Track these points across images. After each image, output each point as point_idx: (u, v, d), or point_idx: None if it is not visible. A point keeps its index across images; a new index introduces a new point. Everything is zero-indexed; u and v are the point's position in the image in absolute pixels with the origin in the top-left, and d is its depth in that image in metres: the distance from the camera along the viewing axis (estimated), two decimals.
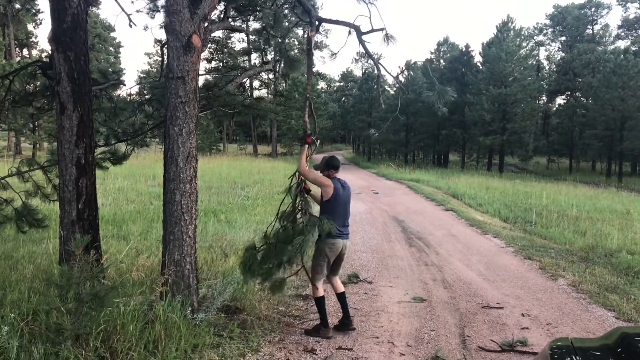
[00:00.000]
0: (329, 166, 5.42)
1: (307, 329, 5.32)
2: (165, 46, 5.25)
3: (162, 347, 4.25)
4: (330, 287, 5.67)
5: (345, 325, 5.41)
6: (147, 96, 8.82)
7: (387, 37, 6.22)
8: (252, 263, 5.13)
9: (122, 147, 7.74)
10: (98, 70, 7.41)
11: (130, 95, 8.54)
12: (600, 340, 1.99)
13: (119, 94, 8.13)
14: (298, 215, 5.44)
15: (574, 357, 1.77)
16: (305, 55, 6.12)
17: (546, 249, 10.22)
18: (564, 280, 7.79)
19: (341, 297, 5.45)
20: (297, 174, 5.50)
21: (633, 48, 49.09)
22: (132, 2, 8.13)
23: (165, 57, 5.28)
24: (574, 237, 11.46)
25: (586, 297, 6.92)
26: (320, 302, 5.26)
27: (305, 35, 6.72)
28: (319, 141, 6.12)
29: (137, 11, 8.34)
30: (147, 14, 8.13)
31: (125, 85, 7.79)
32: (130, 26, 7.57)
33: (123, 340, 4.16)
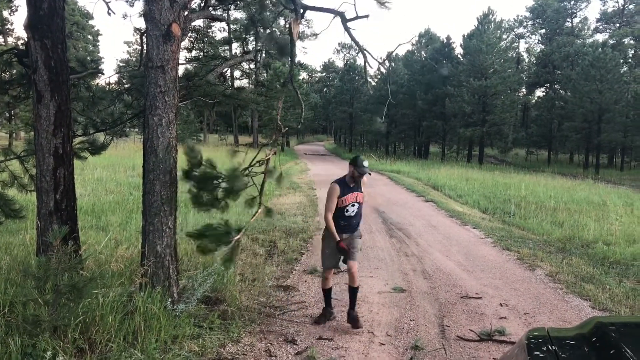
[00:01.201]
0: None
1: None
2: (145, 35, 5.17)
3: (142, 338, 4.22)
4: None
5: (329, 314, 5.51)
6: (126, 85, 8.69)
7: (381, 3, 6.16)
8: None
9: (101, 137, 7.64)
10: (76, 59, 7.27)
11: (109, 84, 8.41)
12: (575, 330, 2.02)
13: (98, 83, 7.99)
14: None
15: (550, 347, 1.79)
16: (290, 43, 6.08)
17: (524, 239, 10.36)
18: (541, 270, 7.91)
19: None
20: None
21: (611, 41, 49.84)
22: None
23: (145, 46, 5.21)
24: (551, 228, 11.63)
25: (563, 287, 7.03)
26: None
27: (287, 25, 6.68)
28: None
29: None
30: (127, 1, 8.04)
31: (103, 74, 7.66)
32: (109, 14, 7.45)
33: (102, 332, 4.13)
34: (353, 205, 5.32)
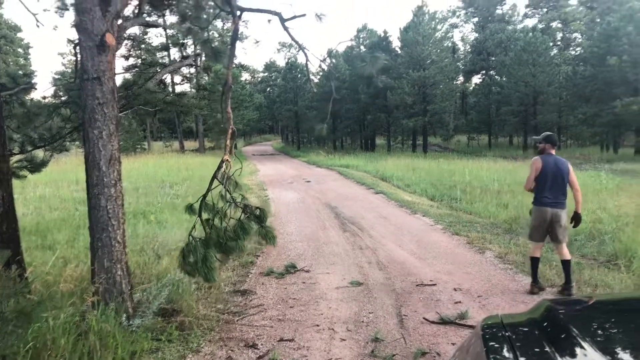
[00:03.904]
0: (547, 140, 6.23)
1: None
2: (78, 46, 5.02)
3: (98, 357, 4.11)
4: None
5: (565, 289, 6.02)
6: (63, 98, 8.41)
7: (318, 17, 6.26)
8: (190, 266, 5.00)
9: (40, 154, 7.37)
10: (7, 74, 7.01)
11: (44, 98, 8.12)
12: (527, 314, 2.09)
13: (32, 98, 7.71)
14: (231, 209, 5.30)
15: (504, 334, 1.86)
16: (229, 45, 6.06)
17: (472, 223, 10.64)
18: (490, 252, 8.15)
19: (565, 264, 6.10)
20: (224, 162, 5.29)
21: (540, 26, 51.68)
22: (38, 0, 7.68)
23: (79, 57, 5.06)
24: (497, 210, 11.98)
25: (512, 267, 7.28)
26: (532, 261, 6.22)
27: (226, 27, 6.63)
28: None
29: (45, 10, 7.83)
30: (56, 12, 7.72)
31: (36, 89, 7.40)
32: (38, 26, 7.18)
33: (55, 356, 3.99)
34: None
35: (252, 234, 5.25)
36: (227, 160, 5.12)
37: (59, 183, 18.39)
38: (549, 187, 6.04)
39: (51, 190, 16.63)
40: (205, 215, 5.18)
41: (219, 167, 5.07)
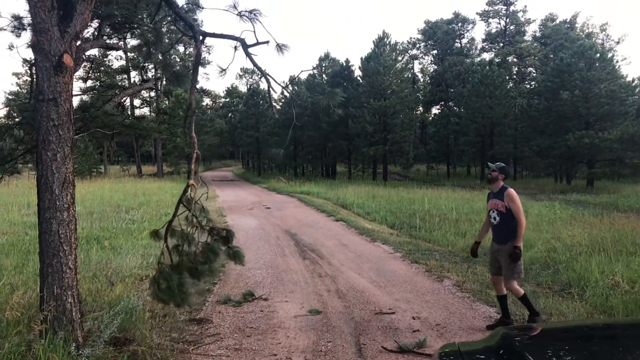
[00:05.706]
0: (502, 171, 6.24)
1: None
2: (34, 66, 4.90)
3: None
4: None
5: (505, 323, 5.84)
6: (16, 119, 8.18)
7: (279, 47, 6.29)
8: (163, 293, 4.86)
9: None
10: None
11: None
12: (484, 342, 2.11)
13: None
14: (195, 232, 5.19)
15: None
16: (191, 70, 6.03)
17: (431, 252, 10.74)
18: (449, 281, 8.22)
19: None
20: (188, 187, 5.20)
21: (497, 60, 53.47)
22: None
23: (35, 78, 4.94)
24: (455, 238, 12.14)
25: (470, 295, 7.35)
26: (525, 298, 5.84)
27: (188, 52, 6.62)
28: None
29: (0, 29, 7.63)
30: (12, 32, 7.53)
31: None
32: None
33: None
34: (493, 212, 6.12)
35: (221, 256, 5.12)
36: (193, 184, 5.02)
37: (8, 206, 17.78)
38: None
39: (0, 213, 16.04)
40: (173, 241, 5.05)
41: (185, 192, 4.97)
